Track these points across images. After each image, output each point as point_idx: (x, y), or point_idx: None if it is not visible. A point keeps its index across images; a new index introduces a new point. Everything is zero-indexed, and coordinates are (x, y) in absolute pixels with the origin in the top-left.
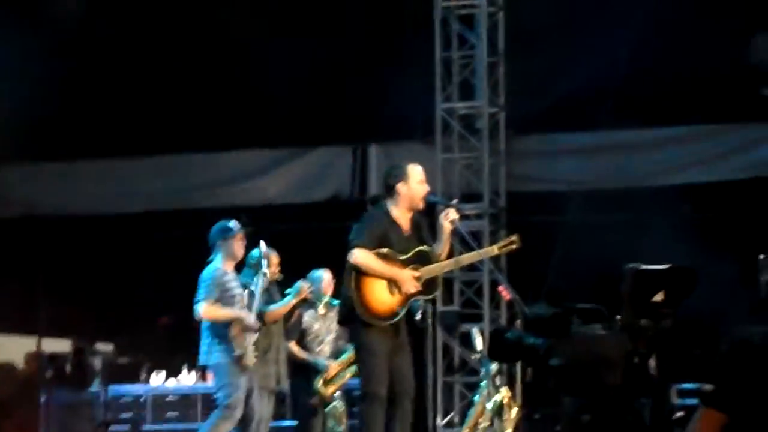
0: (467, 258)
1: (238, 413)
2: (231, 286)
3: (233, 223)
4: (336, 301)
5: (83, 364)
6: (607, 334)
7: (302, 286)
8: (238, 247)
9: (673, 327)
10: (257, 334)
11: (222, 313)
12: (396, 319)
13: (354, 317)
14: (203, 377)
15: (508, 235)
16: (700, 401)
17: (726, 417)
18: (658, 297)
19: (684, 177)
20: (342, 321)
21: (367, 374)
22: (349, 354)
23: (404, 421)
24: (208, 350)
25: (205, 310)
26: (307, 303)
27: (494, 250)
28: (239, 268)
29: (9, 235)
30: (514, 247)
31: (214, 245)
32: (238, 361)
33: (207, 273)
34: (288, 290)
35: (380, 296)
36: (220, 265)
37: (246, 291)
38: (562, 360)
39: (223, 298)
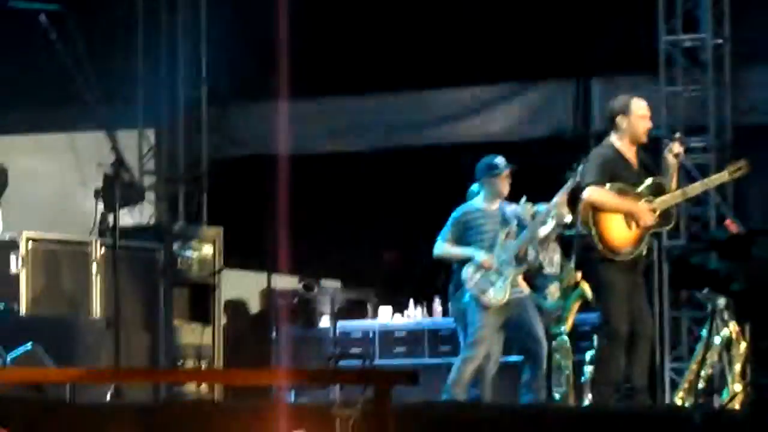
0: (698, 186)
1: (482, 352)
2: (479, 223)
3: (500, 160)
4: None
5: (312, 301)
6: None
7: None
8: (504, 184)
9: None
10: (516, 269)
11: (454, 252)
12: (637, 252)
13: (592, 255)
14: (429, 312)
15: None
16: None
17: None
18: None
19: None
20: (580, 262)
21: (608, 312)
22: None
23: (642, 362)
24: (455, 289)
25: (437, 247)
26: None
27: (725, 176)
28: None
29: (240, 174)
30: (743, 171)
31: (479, 181)
32: (478, 300)
33: (455, 212)
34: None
35: (619, 231)
36: (475, 203)
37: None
38: (743, 284)
39: (468, 236)
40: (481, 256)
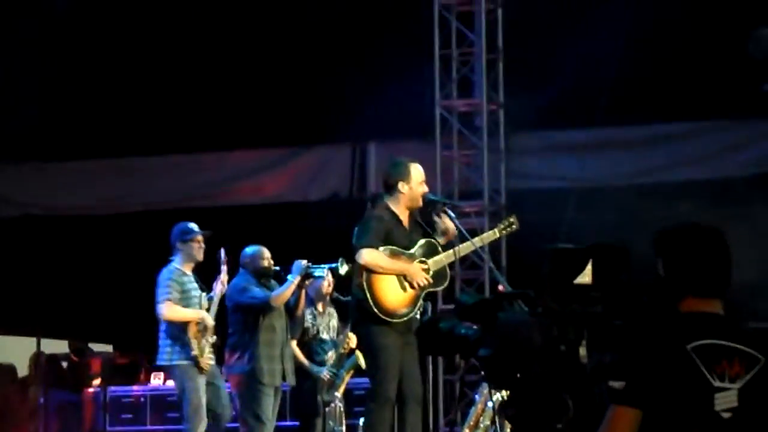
0: (470, 245)
1: (203, 413)
2: (189, 287)
3: (193, 225)
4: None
5: (81, 365)
6: (530, 320)
7: (302, 264)
8: (198, 249)
9: (606, 312)
10: (215, 337)
11: (183, 313)
12: (412, 314)
13: (367, 318)
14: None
15: (508, 218)
16: (611, 400)
17: (640, 413)
18: (584, 278)
19: (684, 173)
20: (355, 325)
21: (378, 375)
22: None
23: (414, 423)
24: (169, 351)
25: (167, 309)
26: (310, 286)
27: (495, 233)
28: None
29: (8, 235)
30: (514, 227)
31: (174, 246)
32: (196, 362)
33: (166, 273)
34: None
35: (393, 292)
36: (178, 266)
37: (204, 294)
38: (490, 350)
39: (182, 299)
40: (207, 318)
